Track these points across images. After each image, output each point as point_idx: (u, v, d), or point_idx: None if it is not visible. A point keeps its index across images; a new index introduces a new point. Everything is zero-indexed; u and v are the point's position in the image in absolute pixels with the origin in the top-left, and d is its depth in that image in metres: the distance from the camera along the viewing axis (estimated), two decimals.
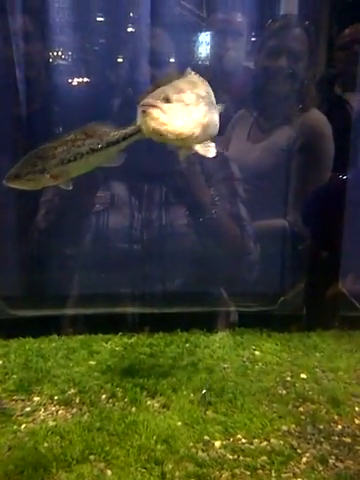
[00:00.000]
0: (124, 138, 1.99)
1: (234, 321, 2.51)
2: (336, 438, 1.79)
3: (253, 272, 2.51)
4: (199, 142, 1.65)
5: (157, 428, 1.78)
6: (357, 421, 1.89)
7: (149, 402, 1.96)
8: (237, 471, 1.61)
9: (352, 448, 1.74)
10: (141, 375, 2.11)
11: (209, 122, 1.61)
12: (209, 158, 1.69)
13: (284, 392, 2.06)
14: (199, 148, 1.65)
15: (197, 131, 1.56)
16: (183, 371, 2.15)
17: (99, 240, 2.47)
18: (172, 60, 2.62)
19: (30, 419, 1.86)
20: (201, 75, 1.74)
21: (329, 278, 2.58)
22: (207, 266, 2.46)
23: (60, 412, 1.90)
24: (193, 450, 1.69)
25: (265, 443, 1.74)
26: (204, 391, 1.91)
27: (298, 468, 1.64)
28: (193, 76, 1.70)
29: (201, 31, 2.81)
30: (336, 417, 1.91)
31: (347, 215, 2.50)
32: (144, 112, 1.46)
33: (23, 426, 1.81)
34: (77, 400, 1.96)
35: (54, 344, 2.37)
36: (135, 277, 2.50)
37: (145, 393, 2.01)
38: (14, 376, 2.10)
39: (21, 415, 1.87)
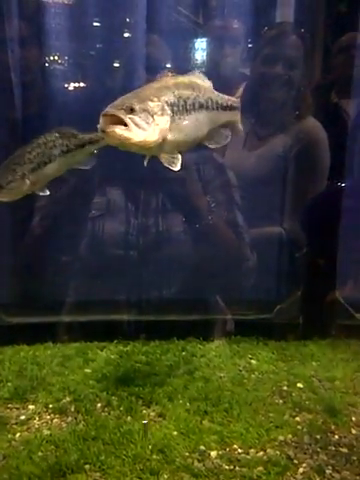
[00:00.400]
0: (91, 142, 2.02)
1: (230, 330, 2.50)
2: (333, 448, 1.78)
3: (250, 280, 2.51)
4: (174, 149, 1.64)
5: (153, 437, 1.77)
6: (354, 431, 1.88)
7: (145, 411, 1.95)
8: None
9: (349, 458, 1.73)
10: (137, 384, 2.10)
11: (180, 130, 1.60)
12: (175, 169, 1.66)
13: (281, 401, 2.05)
14: (164, 159, 1.63)
15: (162, 140, 1.54)
16: (179, 380, 2.14)
17: (94, 247, 2.46)
18: (168, 66, 2.63)
19: (25, 428, 1.84)
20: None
21: (326, 286, 2.58)
22: (203, 273, 2.46)
23: (55, 421, 1.89)
24: (189, 460, 1.68)
25: (261, 453, 1.73)
26: (145, 422, 1.84)
27: (295, 478, 1.63)
28: (178, 77, 1.69)
29: (198, 37, 2.82)
30: (333, 427, 1.90)
31: (343, 223, 2.50)
32: (106, 122, 1.45)
33: (18, 435, 1.80)
34: (72, 408, 1.95)
35: (49, 351, 2.36)
36: (131, 284, 2.49)
37: (141, 402, 2.00)
38: (9, 384, 2.09)
39: (16, 423, 1.86)
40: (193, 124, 1.65)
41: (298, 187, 2.60)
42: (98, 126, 1.48)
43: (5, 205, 2.26)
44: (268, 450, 1.75)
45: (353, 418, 1.96)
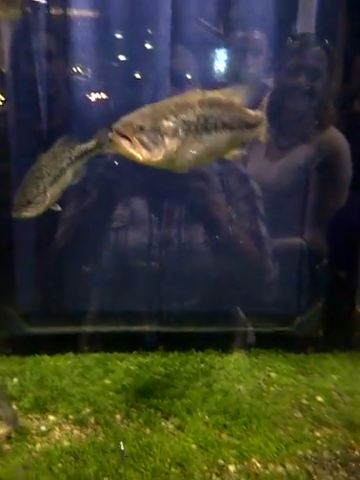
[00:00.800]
0: (86, 152, 2.05)
1: (251, 342, 2.49)
2: (353, 464, 1.76)
3: (271, 291, 2.50)
4: (187, 165, 1.64)
5: (171, 450, 1.77)
6: None
7: (163, 423, 1.95)
8: None
9: None
10: (156, 395, 2.11)
11: (195, 149, 1.58)
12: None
13: (300, 415, 2.03)
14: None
15: (171, 159, 1.54)
16: (198, 392, 2.14)
17: (115, 258, 2.48)
18: (190, 77, 2.65)
19: (45, 438, 1.87)
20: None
21: (346, 299, 2.55)
22: (223, 285, 2.45)
23: (75, 432, 1.90)
24: (207, 474, 1.68)
25: (281, 468, 1.73)
26: (122, 447, 1.80)
27: None
28: (205, 93, 1.67)
29: (219, 48, 2.83)
30: (353, 442, 1.88)
31: None
32: (116, 137, 1.47)
33: (38, 445, 1.82)
34: (92, 420, 1.97)
35: (70, 362, 2.39)
36: (150, 295, 2.51)
37: (159, 414, 2.01)
38: (30, 394, 2.11)
39: (36, 434, 1.89)
40: (212, 144, 1.63)
41: (320, 198, 2.58)
42: (109, 136, 1.50)
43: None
44: (287, 465, 1.74)
45: None
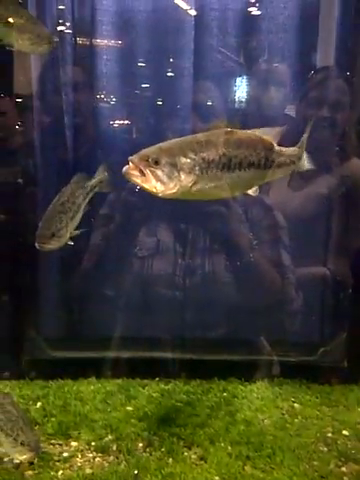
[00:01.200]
0: (92, 189, 2.13)
1: (276, 372, 2.46)
2: None
3: (295, 321, 2.48)
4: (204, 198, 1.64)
5: None
6: None
7: (186, 453, 1.93)
8: None
9: None
10: (178, 424, 2.09)
11: (206, 188, 1.56)
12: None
13: (325, 449, 1.99)
14: None
15: (188, 193, 1.54)
16: (220, 422, 2.12)
17: (139, 284, 2.50)
18: (213, 108, 2.70)
19: (67, 465, 1.86)
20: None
21: None
22: (247, 314, 2.44)
23: (97, 459, 1.90)
24: None
25: None
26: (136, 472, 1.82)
27: None
28: (234, 132, 1.65)
29: (240, 78, 2.88)
30: None
31: None
32: (130, 169, 1.48)
33: (60, 472, 1.81)
34: (114, 447, 1.96)
35: (92, 387, 2.39)
36: (173, 322, 2.51)
37: (182, 443, 1.99)
38: (53, 419, 2.12)
39: (58, 460, 1.88)
40: (234, 182, 1.62)
41: (343, 228, 2.57)
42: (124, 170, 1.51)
43: None
44: None
45: None
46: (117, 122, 2.81)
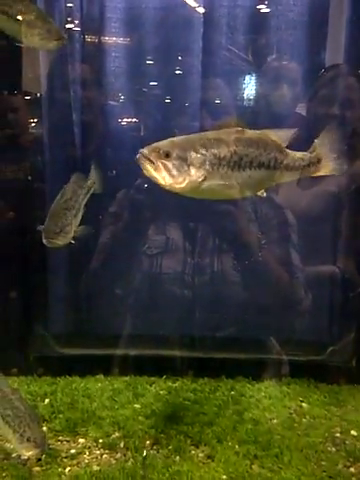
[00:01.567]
0: (91, 187, 2.15)
1: (285, 372, 2.45)
2: None
3: (303, 320, 2.47)
4: (216, 197, 1.64)
5: None
6: None
7: (193, 451, 1.93)
8: None
9: None
10: (185, 422, 2.09)
11: (215, 186, 1.56)
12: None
13: (333, 449, 1.98)
14: None
15: (197, 189, 1.54)
16: (228, 421, 2.11)
17: (148, 282, 2.50)
18: (223, 105, 2.69)
19: (75, 462, 1.87)
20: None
21: None
22: (255, 313, 2.43)
23: (104, 456, 1.90)
24: None
25: None
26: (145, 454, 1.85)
27: None
28: (245, 131, 1.64)
29: (249, 76, 2.87)
30: None
31: None
32: (142, 160, 1.50)
33: (68, 469, 1.82)
34: (121, 444, 1.96)
35: (100, 384, 2.39)
36: (182, 320, 2.50)
37: (189, 441, 1.99)
38: (60, 416, 2.13)
39: (66, 457, 1.89)
40: (243, 181, 1.60)
41: (353, 226, 2.56)
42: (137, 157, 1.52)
43: None
44: None
45: None
46: (125, 119, 2.81)
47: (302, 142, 2.37)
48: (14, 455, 1.82)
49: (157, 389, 2.37)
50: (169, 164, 1.50)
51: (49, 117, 2.60)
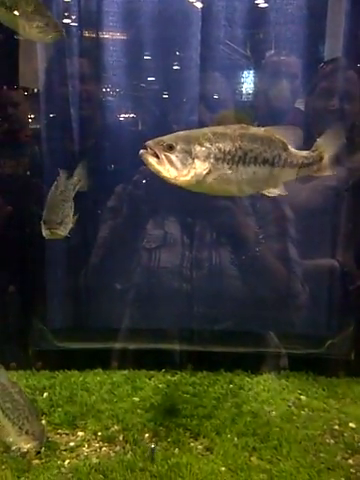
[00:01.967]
0: (76, 185, 2.14)
1: (283, 365, 2.45)
2: None
3: (300, 314, 2.47)
4: (221, 194, 1.64)
5: (200, 472, 1.75)
6: None
7: (192, 444, 1.93)
8: None
9: None
10: (184, 415, 2.10)
11: (219, 181, 1.56)
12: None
13: (332, 441, 1.98)
14: None
15: (201, 183, 1.54)
16: (227, 413, 2.12)
17: (147, 276, 2.50)
18: (221, 99, 2.68)
19: (74, 454, 1.87)
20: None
21: None
22: (254, 306, 2.44)
23: (104, 449, 1.90)
24: None
25: None
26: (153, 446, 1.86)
27: None
28: (249, 128, 1.63)
29: (248, 70, 2.86)
30: None
31: None
32: (145, 153, 1.50)
33: (67, 462, 1.82)
34: (120, 437, 1.96)
35: (99, 378, 2.39)
36: (180, 314, 2.51)
37: (188, 434, 1.99)
38: (59, 409, 2.13)
39: (65, 450, 1.89)
40: (248, 177, 1.60)
41: (352, 220, 2.56)
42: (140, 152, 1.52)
43: None
44: None
45: None
46: (123, 114, 2.80)
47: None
48: (13, 448, 1.82)
49: (156, 382, 2.38)
50: (173, 157, 1.50)
51: (47, 112, 2.59)
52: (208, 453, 1.88)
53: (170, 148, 1.50)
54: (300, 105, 2.72)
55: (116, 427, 2.02)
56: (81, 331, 2.59)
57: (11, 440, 1.83)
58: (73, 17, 2.60)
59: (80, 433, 1.99)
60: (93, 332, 2.56)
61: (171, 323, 2.51)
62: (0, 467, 1.77)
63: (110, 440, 1.94)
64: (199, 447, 1.91)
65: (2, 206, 2.53)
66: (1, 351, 2.27)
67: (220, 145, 1.55)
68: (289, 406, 2.23)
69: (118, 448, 1.91)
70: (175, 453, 1.86)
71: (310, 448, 1.92)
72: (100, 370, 2.46)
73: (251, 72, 2.85)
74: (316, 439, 1.98)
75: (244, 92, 2.84)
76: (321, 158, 1.74)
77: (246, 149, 1.57)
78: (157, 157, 1.50)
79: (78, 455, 1.86)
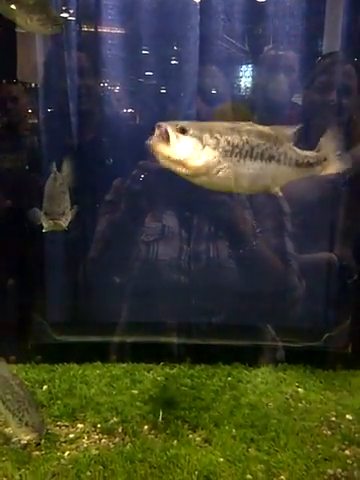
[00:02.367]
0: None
1: (280, 357, 2.47)
2: None
3: (297, 307, 2.49)
4: (229, 189, 1.64)
5: (199, 463, 1.77)
6: None
7: (191, 436, 1.95)
8: None
9: None
10: (183, 407, 2.11)
11: (226, 171, 1.57)
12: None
13: (329, 433, 2.00)
14: None
15: (209, 173, 1.55)
16: (225, 405, 2.14)
17: (145, 270, 2.51)
18: (220, 93, 2.68)
19: (73, 446, 1.88)
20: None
21: None
22: (251, 300, 2.45)
23: (103, 441, 1.92)
24: None
25: None
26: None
27: None
28: (255, 126, 1.64)
29: (246, 64, 2.86)
30: None
31: None
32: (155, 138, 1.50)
33: (66, 453, 1.83)
34: (120, 429, 1.98)
35: (98, 371, 2.41)
36: (179, 307, 2.52)
37: (187, 426, 2.01)
38: (58, 402, 2.14)
39: (65, 441, 1.90)
40: (256, 172, 1.61)
41: (349, 213, 2.57)
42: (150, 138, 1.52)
43: None
44: None
45: None
46: (122, 108, 2.80)
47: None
48: (14, 439, 1.83)
49: (155, 375, 2.39)
50: (185, 139, 1.51)
51: (45, 106, 2.59)
52: (206, 445, 1.90)
53: (183, 131, 1.51)
54: (298, 99, 2.73)
55: (115, 419, 2.03)
56: (80, 324, 2.60)
57: (11, 432, 1.85)
58: (71, 11, 2.59)
59: (79, 425, 2.00)
60: (92, 325, 2.57)
61: (169, 316, 2.52)
62: (0, 459, 1.78)
63: (109, 432, 1.96)
64: (197, 439, 1.93)
65: (1, 200, 2.54)
66: (1, 345, 2.28)
67: (229, 138, 1.56)
68: (287, 398, 2.24)
69: (117, 440, 1.92)
70: (174, 445, 1.88)
71: (307, 439, 1.94)
72: (99, 363, 2.47)
73: (249, 66, 2.86)
74: (313, 431, 2.00)
75: (242, 86, 2.84)
76: (325, 158, 1.76)
77: (253, 144, 1.59)
78: (167, 141, 1.50)
79: (78, 447, 1.88)
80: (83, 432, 1.96)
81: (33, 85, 2.64)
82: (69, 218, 1.98)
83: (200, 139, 1.53)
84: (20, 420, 1.78)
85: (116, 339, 2.49)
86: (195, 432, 1.98)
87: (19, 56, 2.49)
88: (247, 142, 1.58)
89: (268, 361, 2.47)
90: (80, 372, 2.39)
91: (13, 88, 2.59)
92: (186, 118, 2.51)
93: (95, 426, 1.99)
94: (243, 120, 1.67)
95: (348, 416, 2.12)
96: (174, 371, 2.44)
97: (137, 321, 2.53)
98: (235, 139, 1.57)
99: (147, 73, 2.75)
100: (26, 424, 1.80)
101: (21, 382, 1.90)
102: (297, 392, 2.30)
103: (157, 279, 2.52)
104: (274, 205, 2.46)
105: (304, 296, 2.51)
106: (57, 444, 1.88)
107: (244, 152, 1.57)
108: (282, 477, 1.73)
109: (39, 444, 1.85)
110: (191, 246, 2.51)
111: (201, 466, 1.75)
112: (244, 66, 2.85)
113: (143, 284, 2.50)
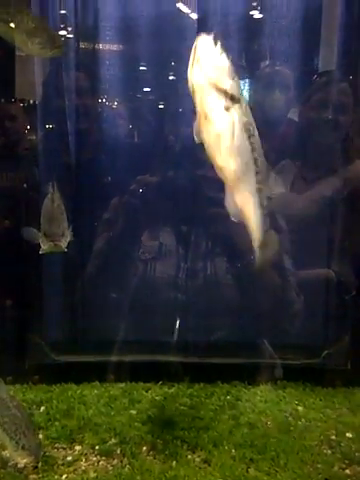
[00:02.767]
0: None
1: (279, 375, 2.46)
2: None
3: (296, 324, 2.48)
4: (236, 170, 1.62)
5: None
6: None
7: (190, 456, 1.93)
8: None
9: None
10: (181, 427, 2.09)
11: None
12: None
13: (329, 452, 1.98)
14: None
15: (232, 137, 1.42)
16: (224, 425, 2.12)
17: (142, 288, 2.51)
18: None
19: (71, 469, 1.86)
20: None
21: None
22: (249, 317, 2.44)
23: (101, 463, 1.90)
24: None
25: None
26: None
27: None
28: None
29: (243, 81, 2.88)
30: None
31: None
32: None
33: (64, 476, 1.82)
34: (118, 451, 1.96)
35: (96, 391, 2.39)
36: (177, 326, 2.51)
37: (186, 446, 1.99)
38: (56, 423, 2.12)
39: (62, 464, 1.89)
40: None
41: (347, 230, 2.58)
42: None
43: None
44: None
45: None
46: (120, 126, 2.82)
47: (292, 147, 2.39)
48: (11, 463, 1.82)
49: (153, 395, 2.37)
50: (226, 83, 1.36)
51: (44, 125, 2.61)
52: (206, 465, 1.88)
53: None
54: (294, 115, 2.75)
55: (113, 440, 2.02)
56: (78, 344, 2.59)
57: (8, 455, 1.83)
58: (70, 30, 2.62)
59: (77, 447, 1.99)
60: (90, 345, 2.56)
61: (168, 335, 2.51)
62: None
63: (107, 454, 1.94)
64: (197, 459, 1.91)
65: None
66: None
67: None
68: (286, 417, 2.23)
69: (116, 461, 1.90)
70: (173, 466, 1.87)
71: (307, 459, 1.92)
72: (97, 383, 2.45)
73: (246, 83, 2.88)
74: (313, 449, 1.98)
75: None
76: None
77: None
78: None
79: (75, 469, 1.86)
80: (81, 454, 1.94)
81: (31, 102, 2.67)
82: (68, 239, 1.98)
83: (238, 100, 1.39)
84: (17, 443, 1.76)
85: (114, 358, 2.47)
86: (194, 453, 1.96)
87: (17, 75, 2.52)
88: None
89: (267, 379, 2.46)
90: (78, 392, 2.37)
91: (11, 107, 2.61)
92: (185, 135, 2.53)
93: (93, 448, 1.98)
94: None
95: (348, 434, 2.11)
96: (172, 390, 2.42)
97: (135, 340, 2.52)
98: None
99: (145, 91, 2.78)
100: (23, 447, 1.77)
101: (19, 404, 1.87)
102: (297, 410, 2.29)
103: (155, 298, 2.52)
104: (272, 221, 2.46)
105: (302, 313, 2.50)
106: (55, 467, 1.86)
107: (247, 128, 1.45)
108: None
109: (36, 467, 1.83)
110: (188, 263, 2.51)
111: None
112: (241, 83, 2.87)
113: (141, 303, 2.50)
